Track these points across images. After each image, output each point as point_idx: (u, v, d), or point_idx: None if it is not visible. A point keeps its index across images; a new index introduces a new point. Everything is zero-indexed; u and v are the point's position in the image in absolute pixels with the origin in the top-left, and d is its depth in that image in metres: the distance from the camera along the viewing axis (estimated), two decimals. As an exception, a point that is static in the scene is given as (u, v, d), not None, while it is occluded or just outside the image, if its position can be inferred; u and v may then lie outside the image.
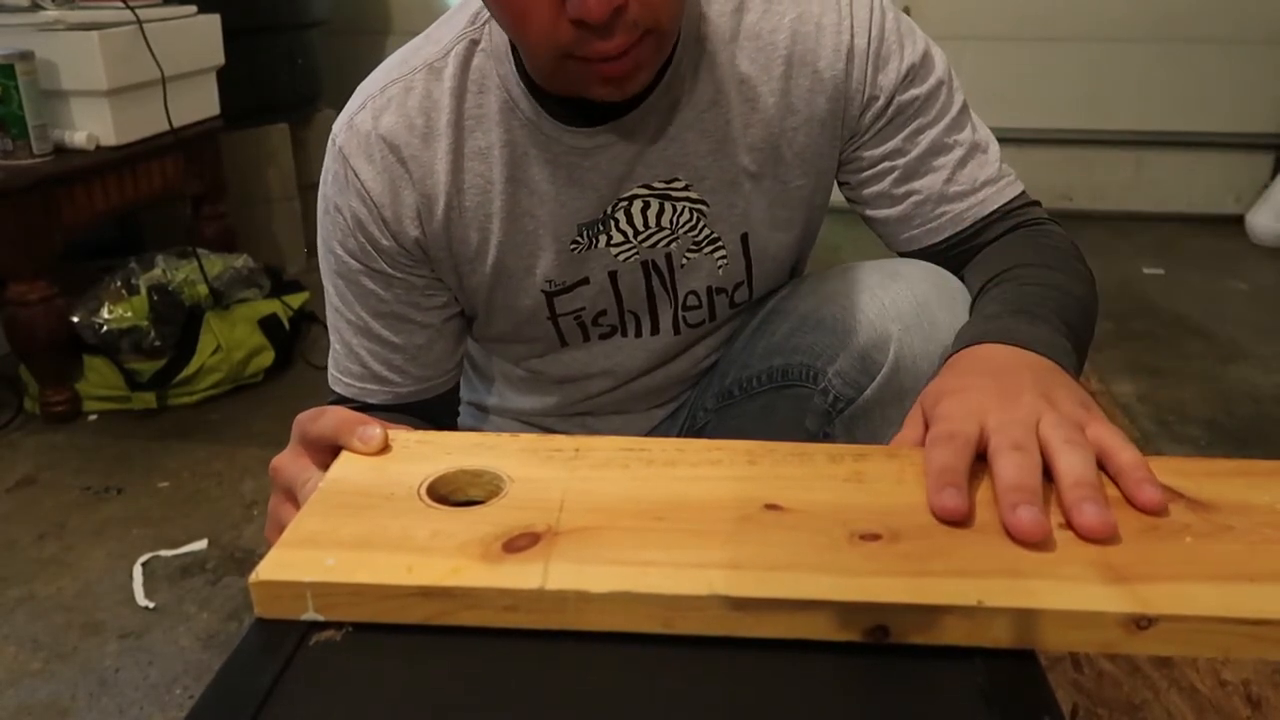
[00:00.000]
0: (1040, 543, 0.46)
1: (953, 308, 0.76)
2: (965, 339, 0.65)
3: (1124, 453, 0.51)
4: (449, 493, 0.54)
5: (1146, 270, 2.78)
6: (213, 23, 2.15)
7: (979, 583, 0.44)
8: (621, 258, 0.83)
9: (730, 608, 0.43)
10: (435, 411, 0.89)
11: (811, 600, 0.43)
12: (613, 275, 0.83)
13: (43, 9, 1.90)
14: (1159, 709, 1.18)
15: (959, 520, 0.48)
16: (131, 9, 1.91)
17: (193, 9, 2.12)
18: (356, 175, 0.77)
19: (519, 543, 0.48)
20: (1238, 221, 3.10)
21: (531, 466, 0.55)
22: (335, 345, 0.86)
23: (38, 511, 1.62)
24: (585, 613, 0.44)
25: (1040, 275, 0.73)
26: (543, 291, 0.83)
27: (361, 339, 0.83)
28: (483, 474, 0.55)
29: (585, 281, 0.83)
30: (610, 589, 0.44)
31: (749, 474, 0.54)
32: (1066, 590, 0.43)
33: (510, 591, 0.44)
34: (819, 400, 0.80)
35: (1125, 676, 1.22)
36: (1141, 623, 0.42)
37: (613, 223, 0.81)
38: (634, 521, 0.49)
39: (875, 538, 0.48)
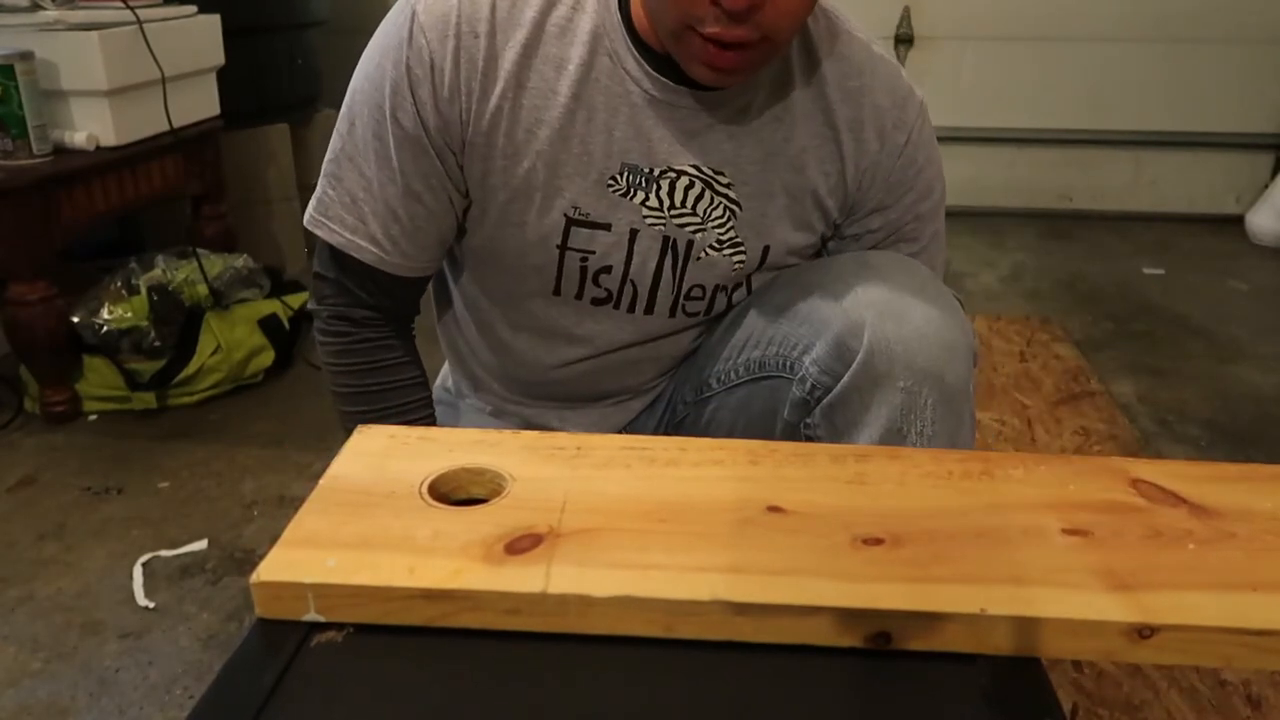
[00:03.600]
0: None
1: (923, 293, 0.77)
2: None
3: None
4: (450, 491, 0.54)
5: (1146, 270, 2.78)
6: (213, 23, 2.15)
7: (982, 590, 0.44)
8: (649, 221, 0.84)
9: (732, 613, 0.43)
10: (404, 294, 0.90)
11: (813, 606, 0.43)
12: (634, 234, 0.84)
13: (43, 9, 1.90)
14: (1159, 709, 1.18)
15: None
16: (131, 9, 1.91)
17: (193, 9, 2.12)
18: (424, 35, 0.77)
19: (521, 544, 0.48)
20: (1238, 221, 3.10)
21: (533, 465, 0.55)
22: (330, 192, 0.85)
23: (38, 511, 1.61)
24: (587, 616, 0.44)
25: None
26: (565, 215, 0.83)
27: (368, 196, 0.83)
28: (484, 472, 0.55)
29: (607, 227, 0.84)
30: (612, 593, 0.44)
31: (751, 474, 0.54)
32: (1069, 599, 0.43)
33: (512, 595, 0.44)
34: (797, 390, 0.81)
35: (1125, 677, 1.22)
36: (1144, 632, 0.42)
37: (656, 186, 0.82)
38: (636, 523, 0.49)
39: (878, 542, 0.48)
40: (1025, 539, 0.48)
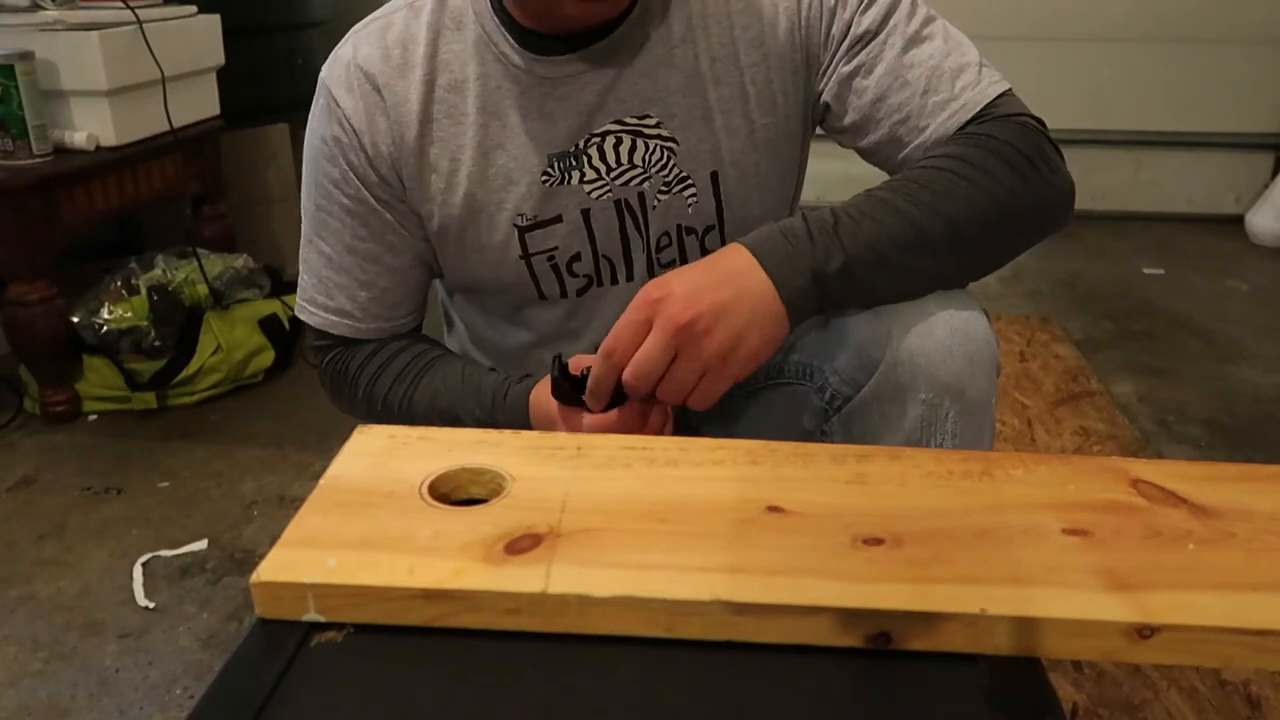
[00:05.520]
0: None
1: (949, 305, 0.76)
2: (747, 237, 0.72)
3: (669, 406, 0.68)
4: (450, 491, 0.54)
5: (1146, 270, 2.78)
6: (213, 23, 2.15)
7: (982, 590, 0.44)
8: (594, 195, 0.84)
9: (732, 613, 0.43)
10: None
11: (813, 606, 0.43)
12: (586, 214, 0.84)
13: (43, 9, 1.90)
14: (1159, 709, 1.18)
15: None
16: (131, 9, 1.91)
17: (193, 9, 2.12)
18: (337, 104, 0.82)
19: (521, 544, 0.48)
20: (1238, 221, 3.10)
21: (533, 465, 0.55)
22: (305, 277, 0.89)
23: (38, 511, 1.62)
24: (587, 616, 0.44)
25: (894, 192, 0.73)
26: (515, 225, 0.84)
27: (331, 273, 0.87)
28: (484, 472, 0.55)
29: (558, 219, 0.84)
30: (612, 593, 0.44)
31: (751, 474, 0.54)
32: (1069, 598, 0.43)
33: (512, 595, 0.44)
34: (816, 398, 0.80)
35: (1125, 677, 1.22)
36: (1144, 632, 0.42)
37: (585, 158, 0.82)
38: (636, 523, 0.49)
39: (878, 542, 0.47)
40: (1025, 539, 0.48)
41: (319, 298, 0.88)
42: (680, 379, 0.67)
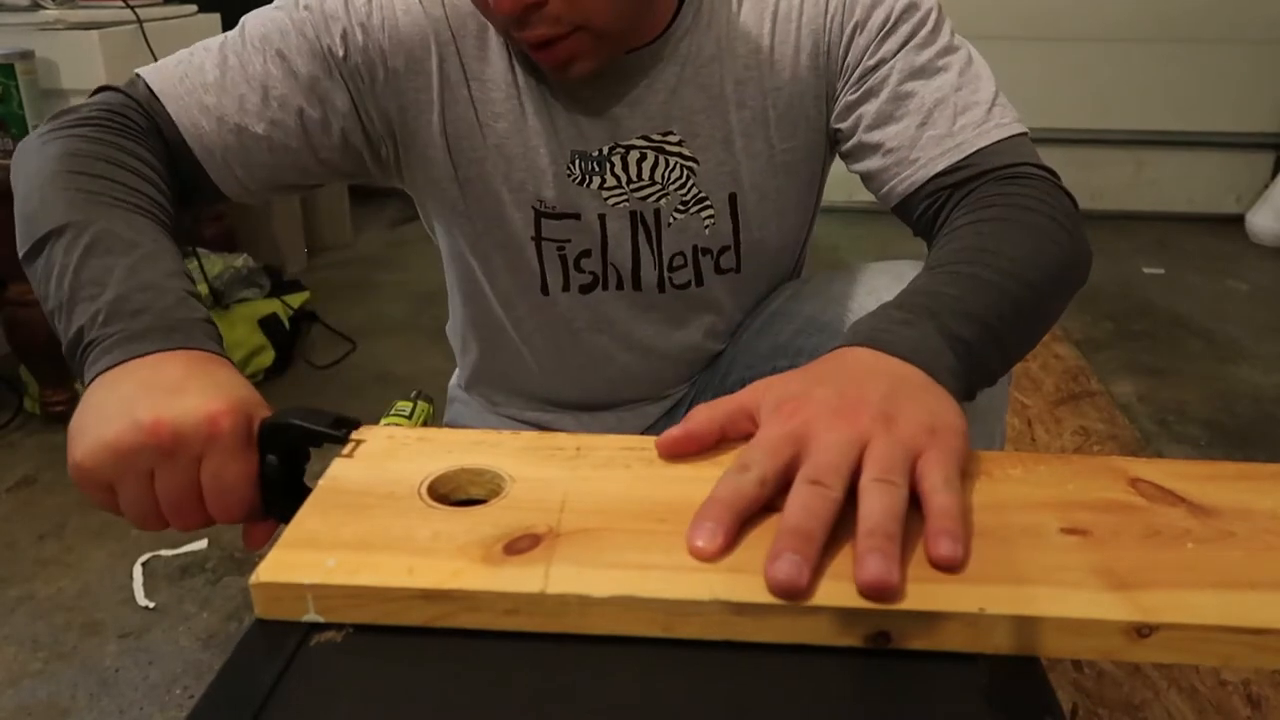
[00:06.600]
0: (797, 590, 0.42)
1: None
2: (844, 339, 0.59)
3: (937, 495, 0.46)
4: (449, 492, 0.54)
5: (1146, 270, 2.78)
6: (213, 23, 2.16)
7: (981, 589, 0.44)
8: (612, 202, 0.84)
9: (731, 613, 0.43)
10: (187, 180, 0.79)
11: (813, 606, 0.43)
12: (602, 218, 0.85)
13: (43, 9, 1.90)
14: (1159, 709, 1.18)
15: (711, 559, 0.45)
16: (131, 9, 1.91)
17: (193, 9, 2.13)
18: None
19: (520, 544, 0.47)
20: (1238, 221, 3.10)
21: (532, 465, 0.55)
22: (193, 61, 0.79)
23: (38, 511, 1.62)
24: (586, 616, 0.44)
25: (972, 264, 0.65)
26: (533, 209, 0.84)
27: (243, 84, 0.78)
28: (483, 473, 0.55)
29: (576, 216, 0.84)
30: (611, 593, 0.44)
31: (750, 476, 0.54)
32: (1068, 598, 0.43)
33: (511, 595, 0.44)
34: None
35: (1125, 676, 1.22)
36: (1143, 631, 0.42)
37: (608, 165, 0.82)
38: (635, 523, 0.49)
39: (877, 541, 0.47)
40: (1024, 538, 0.48)
41: (202, 94, 0.77)
42: (886, 455, 0.47)
